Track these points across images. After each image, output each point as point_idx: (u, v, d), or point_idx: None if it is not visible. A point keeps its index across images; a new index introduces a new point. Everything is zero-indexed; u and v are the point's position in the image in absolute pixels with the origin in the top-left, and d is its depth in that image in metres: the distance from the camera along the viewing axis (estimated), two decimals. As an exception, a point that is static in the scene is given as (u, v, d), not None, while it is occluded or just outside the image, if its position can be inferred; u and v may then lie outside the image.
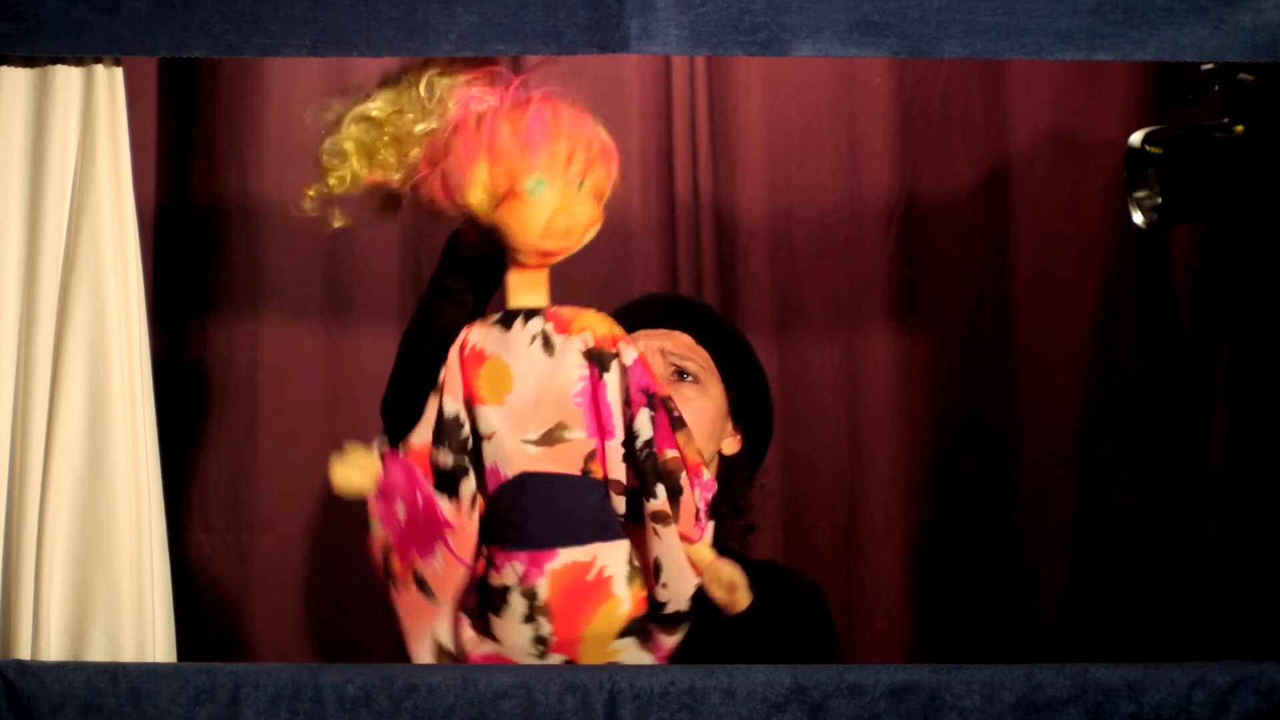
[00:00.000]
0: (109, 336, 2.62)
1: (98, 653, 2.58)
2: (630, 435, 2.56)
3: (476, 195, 2.56)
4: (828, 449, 4.04)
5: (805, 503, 4.05)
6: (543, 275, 2.63)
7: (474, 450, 2.59)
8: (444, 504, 2.58)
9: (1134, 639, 3.93)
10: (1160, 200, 3.23)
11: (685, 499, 2.54)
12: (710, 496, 2.56)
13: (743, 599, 2.54)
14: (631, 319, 3.19)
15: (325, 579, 3.98)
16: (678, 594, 2.54)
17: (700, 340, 3.14)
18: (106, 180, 2.63)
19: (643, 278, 4.04)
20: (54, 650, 2.57)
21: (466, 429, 2.59)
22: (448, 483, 2.58)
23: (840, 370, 4.08)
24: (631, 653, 2.57)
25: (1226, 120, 3.16)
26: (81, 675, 2.46)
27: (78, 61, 2.63)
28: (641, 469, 2.55)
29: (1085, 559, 3.99)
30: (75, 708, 2.45)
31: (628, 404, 2.56)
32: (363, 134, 2.62)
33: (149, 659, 2.59)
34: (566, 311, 2.61)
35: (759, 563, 3.18)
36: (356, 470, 2.62)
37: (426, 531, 2.59)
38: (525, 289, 2.62)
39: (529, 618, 2.54)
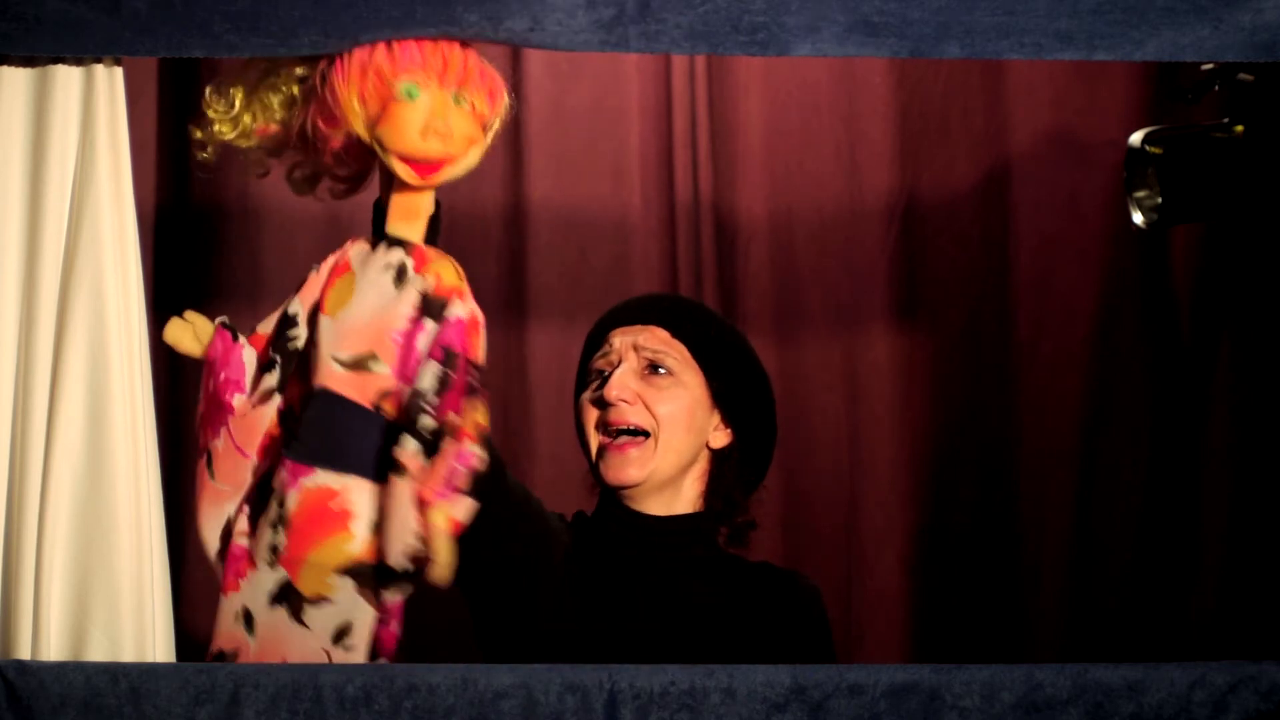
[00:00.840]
0: (109, 336, 2.62)
1: (98, 653, 2.58)
2: (412, 383, 2.56)
3: (354, 109, 2.57)
4: (828, 449, 4.05)
5: (805, 503, 4.06)
6: (422, 206, 2.65)
7: (302, 354, 2.62)
8: (245, 389, 2.64)
9: (1134, 639, 3.93)
10: (1160, 200, 3.23)
11: (439, 461, 2.51)
12: (466, 470, 2.51)
13: (440, 574, 2.50)
14: (612, 318, 3.20)
15: (325, 579, 3.98)
16: (392, 549, 2.52)
17: (676, 334, 3.14)
18: (106, 180, 2.63)
19: (643, 278, 4.05)
20: (54, 650, 2.57)
21: (300, 330, 2.63)
22: (259, 373, 2.64)
23: (840, 370, 4.08)
24: (346, 592, 2.54)
25: (1226, 120, 3.17)
26: (81, 675, 2.46)
27: (78, 61, 2.63)
28: (406, 418, 2.54)
29: (1085, 559, 4.00)
30: (75, 708, 2.45)
31: (427, 354, 2.57)
32: (244, 81, 2.65)
33: (149, 659, 2.59)
34: (431, 253, 2.62)
35: (754, 564, 3.18)
36: (188, 333, 2.69)
37: (217, 411, 2.64)
38: (403, 218, 2.64)
39: (275, 524, 2.56)
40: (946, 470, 4.04)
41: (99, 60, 2.63)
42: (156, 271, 3.91)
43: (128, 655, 2.58)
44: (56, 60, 2.63)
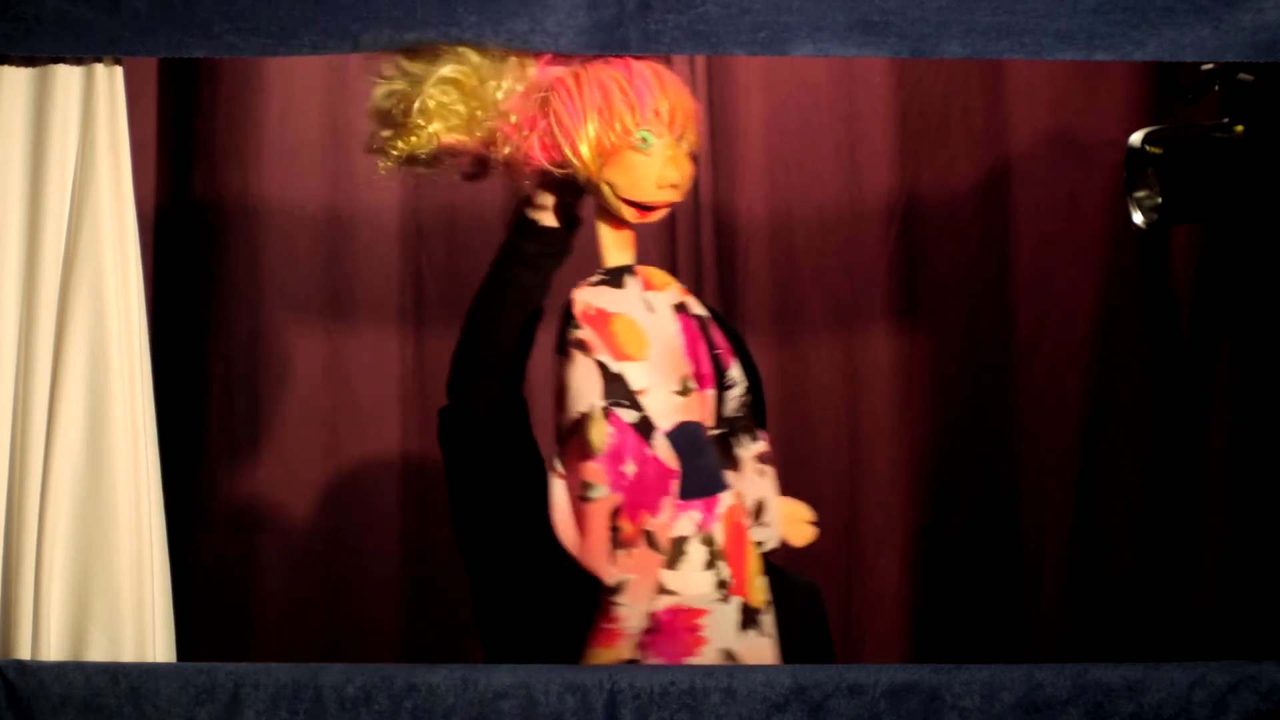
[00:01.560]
0: (109, 336, 2.62)
1: (98, 653, 2.58)
2: (725, 384, 2.65)
3: (586, 150, 2.61)
4: (828, 449, 4.04)
5: (805, 502, 4.05)
6: (632, 235, 2.71)
7: (637, 403, 2.65)
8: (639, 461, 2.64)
9: (1134, 639, 3.93)
10: (1160, 200, 3.23)
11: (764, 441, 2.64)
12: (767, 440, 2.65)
13: (810, 533, 2.68)
14: None
15: (325, 579, 3.98)
16: (774, 533, 2.64)
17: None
18: (106, 180, 2.63)
19: (643, 278, 4.04)
20: (54, 650, 2.57)
21: (631, 384, 2.64)
22: (640, 437, 2.63)
23: (840, 370, 4.08)
24: (768, 590, 2.65)
25: (1226, 120, 3.16)
26: (81, 675, 2.46)
27: (78, 61, 2.63)
28: (744, 414, 2.64)
29: (1085, 559, 3.99)
30: (75, 708, 2.45)
31: (713, 352, 2.65)
32: (442, 95, 2.63)
33: (149, 659, 2.59)
34: (645, 269, 2.70)
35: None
36: (599, 432, 2.63)
37: (656, 486, 2.61)
38: (620, 247, 2.71)
39: (709, 564, 2.59)
40: (946, 470, 4.04)
41: (99, 60, 2.63)
42: (156, 271, 3.91)
43: (128, 655, 2.58)
44: (56, 60, 2.63)
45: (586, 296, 2.66)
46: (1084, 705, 2.45)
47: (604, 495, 2.60)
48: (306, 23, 2.57)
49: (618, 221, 2.68)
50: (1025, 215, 4.03)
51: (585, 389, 2.62)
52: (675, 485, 2.61)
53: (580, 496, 2.60)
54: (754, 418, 2.73)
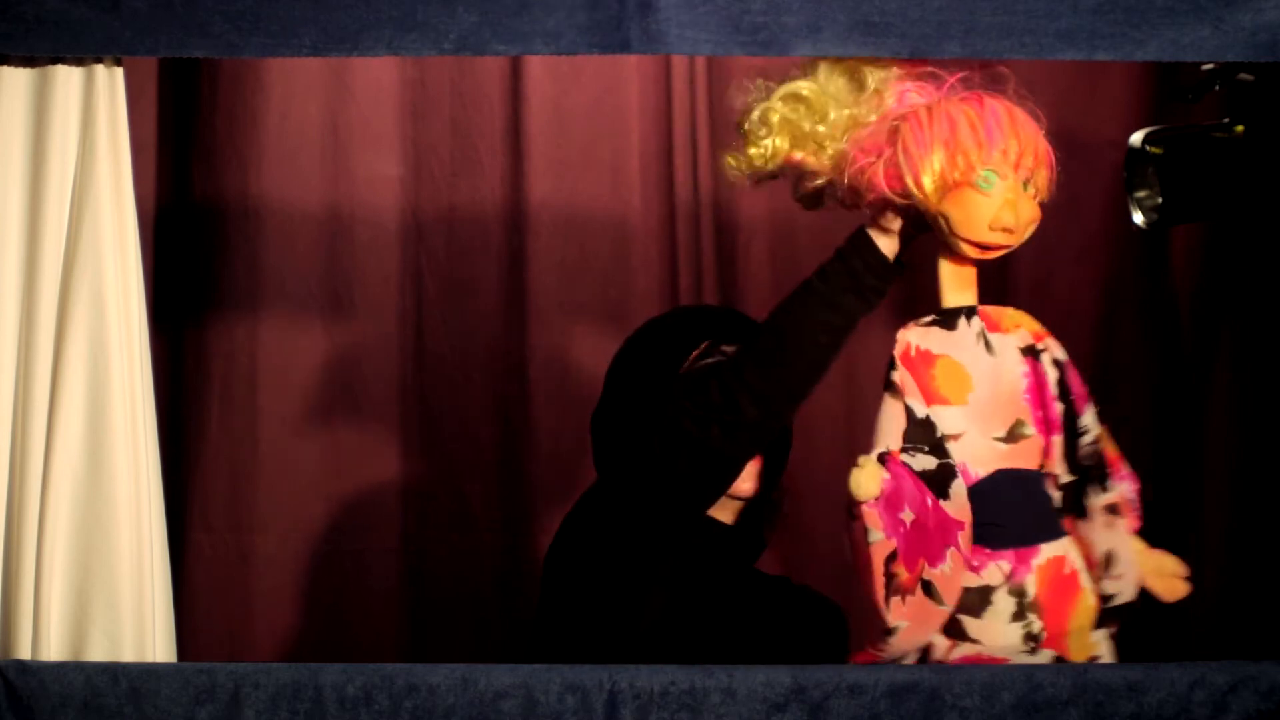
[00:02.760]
0: (109, 336, 2.62)
1: (98, 653, 2.58)
2: (1077, 431, 2.63)
3: (929, 182, 2.59)
4: (828, 449, 4.04)
5: (805, 503, 4.05)
6: (973, 273, 2.69)
7: (945, 450, 2.62)
8: (944, 504, 2.60)
9: (1134, 639, 3.93)
10: (1160, 200, 3.22)
11: (1128, 490, 2.63)
12: (1137, 489, 2.62)
13: (1182, 588, 2.61)
14: (700, 326, 3.07)
15: (325, 579, 3.98)
16: (1129, 585, 2.60)
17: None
18: (106, 180, 2.63)
19: (643, 278, 4.04)
20: (54, 650, 2.57)
21: (939, 430, 2.61)
22: (934, 484, 2.60)
23: (840, 370, 4.07)
24: (1106, 644, 2.63)
25: (1226, 120, 3.16)
26: (81, 675, 2.46)
27: (78, 61, 2.63)
28: (1092, 463, 2.62)
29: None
30: (75, 708, 2.45)
31: (1067, 398, 2.63)
32: (790, 111, 2.63)
33: (149, 659, 2.59)
34: (993, 310, 2.68)
35: (772, 578, 3.16)
36: (873, 477, 2.61)
37: (937, 536, 2.58)
38: (959, 286, 2.69)
39: (1018, 616, 2.57)
40: (946, 470, 4.04)
41: (99, 60, 2.63)
42: (156, 271, 3.91)
43: (128, 655, 2.58)
44: (56, 60, 2.63)
45: (912, 336, 2.67)
46: (1084, 705, 2.45)
47: (879, 540, 2.58)
48: (306, 23, 2.57)
49: (958, 259, 2.66)
50: (1025, 215, 4.02)
51: (885, 432, 2.64)
52: (964, 535, 2.57)
53: (862, 540, 2.60)
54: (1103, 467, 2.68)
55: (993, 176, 2.61)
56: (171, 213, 3.99)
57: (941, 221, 2.63)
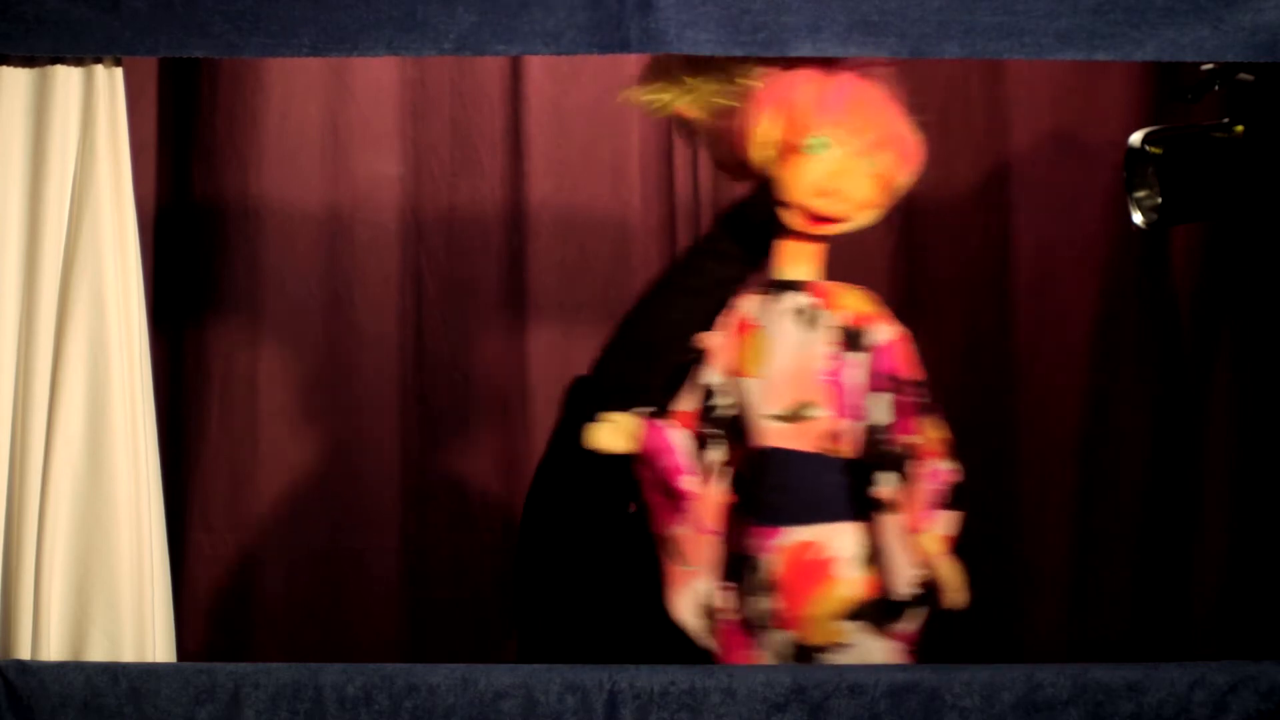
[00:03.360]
0: (109, 336, 2.62)
1: (98, 653, 2.58)
2: (866, 418, 2.59)
3: (760, 142, 2.59)
4: (828, 449, 4.04)
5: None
6: (814, 249, 2.66)
7: (733, 421, 2.61)
8: (690, 471, 2.61)
9: (1134, 639, 3.93)
10: (1160, 200, 3.23)
11: (914, 488, 2.55)
12: (944, 488, 2.57)
13: (956, 598, 2.56)
14: None
15: (325, 579, 3.98)
16: (895, 582, 2.56)
17: None
18: (106, 180, 2.63)
19: (643, 278, 4.03)
20: (54, 650, 2.57)
21: (728, 399, 2.61)
22: (700, 450, 2.62)
23: (840, 370, 4.07)
24: (860, 636, 2.59)
25: (1226, 120, 3.16)
26: (81, 675, 2.46)
27: (78, 61, 2.63)
28: (870, 453, 2.56)
29: (1085, 559, 3.99)
30: (75, 708, 2.45)
31: (870, 386, 2.58)
32: (682, 68, 2.68)
33: (149, 659, 2.59)
34: (832, 286, 2.64)
35: None
36: (614, 433, 2.64)
37: (672, 500, 2.62)
38: (794, 260, 2.65)
39: (759, 590, 2.58)
40: (946, 470, 4.04)
41: (99, 60, 2.63)
42: (156, 271, 3.91)
43: (128, 655, 2.58)
44: (56, 60, 2.63)
45: (742, 304, 2.65)
46: (1084, 705, 2.45)
47: (641, 491, 2.65)
48: (306, 23, 2.57)
49: (793, 234, 2.65)
50: (1025, 215, 4.03)
51: (685, 393, 2.64)
52: (703, 505, 2.59)
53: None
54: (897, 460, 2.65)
55: (824, 144, 2.58)
56: (171, 213, 3.99)
57: (774, 187, 2.61)
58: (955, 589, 2.51)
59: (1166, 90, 3.61)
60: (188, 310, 3.99)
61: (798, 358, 2.59)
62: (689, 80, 2.66)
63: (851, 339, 2.59)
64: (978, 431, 4.02)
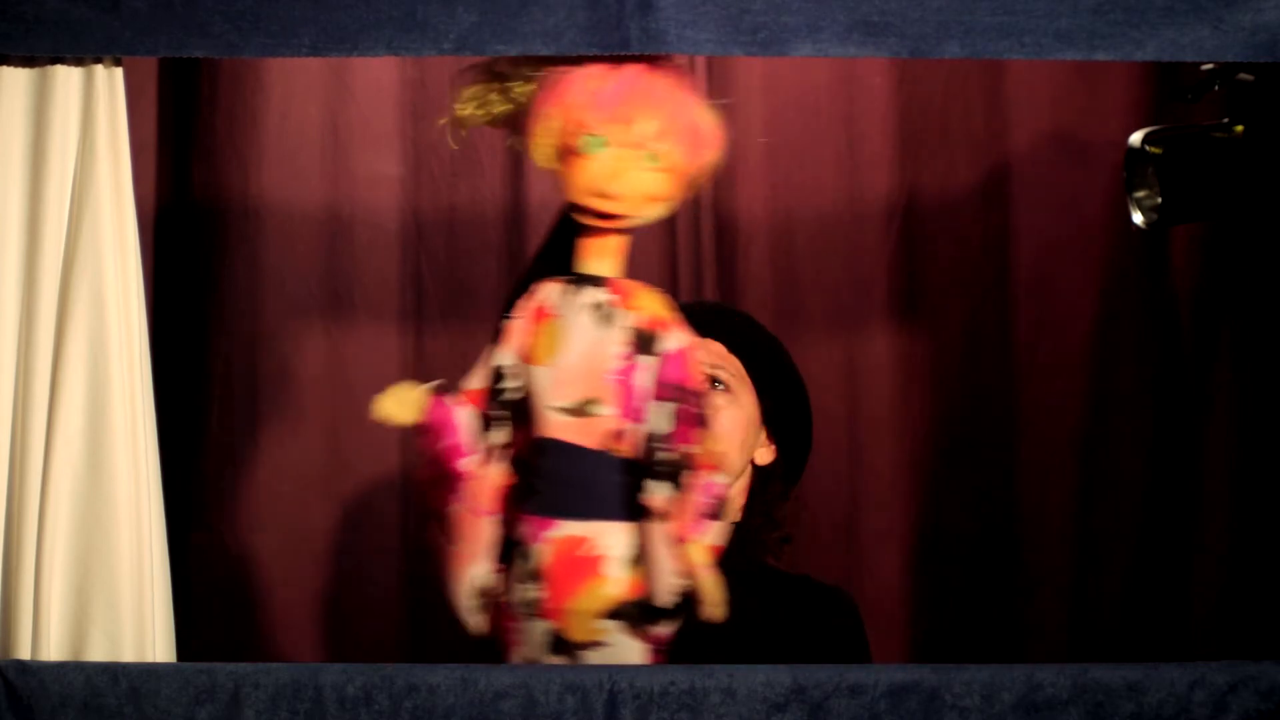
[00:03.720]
0: (109, 336, 2.62)
1: (98, 653, 2.58)
2: (646, 424, 2.54)
3: (540, 143, 2.56)
4: (828, 449, 4.04)
5: (805, 503, 4.06)
6: (615, 243, 2.62)
7: (519, 405, 2.59)
8: (470, 451, 2.59)
9: (1134, 639, 3.93)
10: (1160, 200, 3.23)
11: (686, 497, 2.52)
12: (715, 501, 2.53)
13: (714, 612, 2.50)
14: None
15: (325, 578, 3.98)
16: (658, 589, 2.53)
17: (733, 348, 3.11)
18: (106, 180, 2.63)
19: (643, 278, 4.03)
20: (54, 650, 2.57)
21: (514, 382, 2.58)
22: (483, 431, 2.59)
23: (840, 370, 4.08)
24: (618, 636, 2.55)
25: (1226, 120, 3.16)
26: (81, 675, 2.46)
27: (78, 61, 2.63)
28: (647, 459, 2.53)
29: (1085, 559, 3.99)
30: (75, 708, 2.45)
31: (653, 393, 2.55)
32: (479, 84, 2.64)
33: (149, 659, 2.59)
34: (631, 285, 2.60)
35: (794, 577, 3.17)
36: (399, 405, 2.61)
37: (448, 479, 2.60)
38: (595, 255, 2.61)
39: (527, 578, 2.55)
40: (946, 470, 4.04)
41: (99, 60, 2.63)
42: (156, 271, 3.91)
43: (128, 655, 2.58)
44: (56, 60, 2.63)
45: (542, 290, 2.61)
46: (1084, 705, 2.45)
47: (421, 464, 2.64)
48: (306, 23, 2.57)
49: (591, 230, 2.60)
50: (1025, 215, 4.03)
51: (474, 371, 2.62)
52: (475, 487, 2.58)
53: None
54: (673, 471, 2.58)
55: (599, 142, 2.52)
56: (171, 213, 3.99)
57: (562, 186, 2.58)
58: (714, 602, 2.49)
59: (1166, 90, 3.62)
60: (188, 310, 3.99)
61: (589, 353, 2.56)
62: (492, 86, 2.63)
63: (644, 342, 2.55)
64: (978, 431, 4.03)
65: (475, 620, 2.64)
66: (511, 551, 2.58)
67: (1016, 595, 4.00)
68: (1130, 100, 3.94)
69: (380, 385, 3.99)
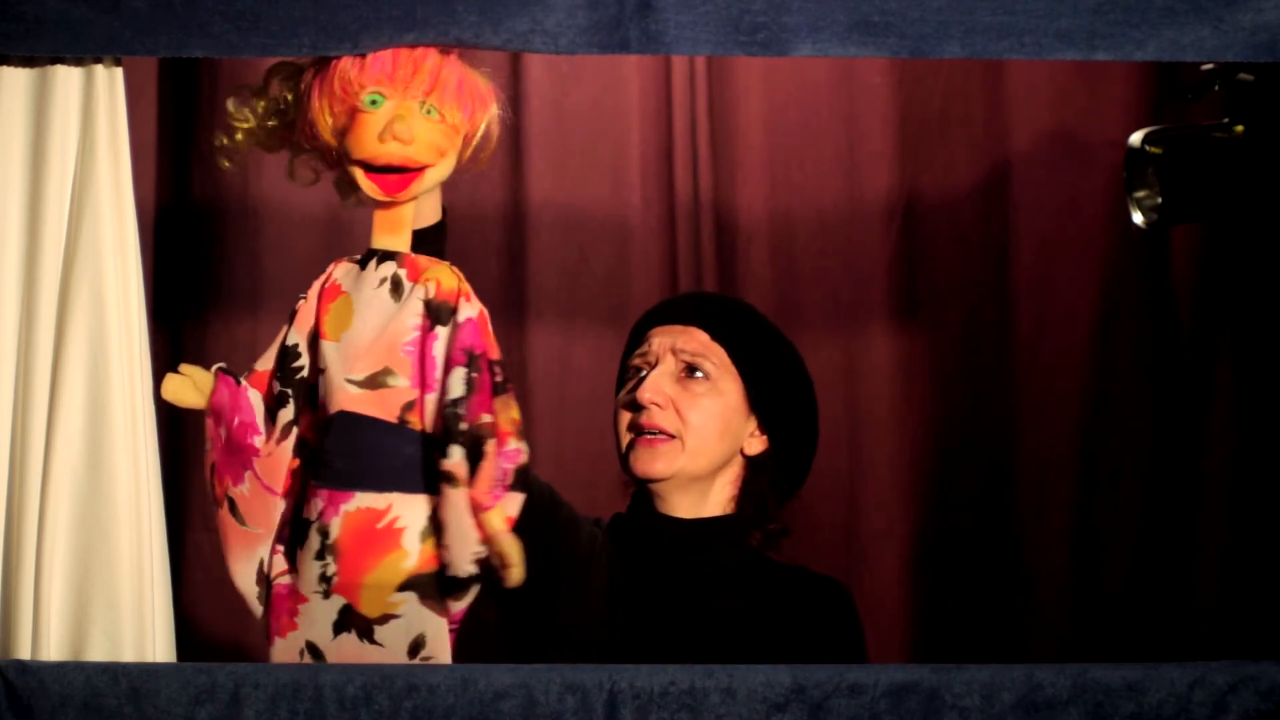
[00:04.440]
0: (109, 336, 2.62)
1: (98, 653, 2.58)
2: (443, 391, 2.53)
3: (323, 119, 2.57)
4: (828, 449, 4.03)
5: (805, 503, 4.06)
6: (404, 217, 2.62)
7: (310, 383, 2.60)
8: (261, 429, 2.59)
9: (1134, 639, 3.93)
10: (1160, 200, 3.23)
11: (485, 465, 2.49)
12: (513, 466, 2.51)
13: (515, 575, 2.48)
14: (654, 316, 3.16)
15: (325, 579, 3.98)
16: (457, 557, 2.50)
17: (716, 337, 3.10)
18: (106, 180, 2.63)
19: (643, 277, 4.04)
20: (54, 650, 2.57)
21: (303, 360, 2.60)
22: (272, 410, 2.60)
23: (840, 370, 4.08)
24: (412, 606, 2.52)
25: (1226, 120, 3.16)
26: (81, 675, 2.46)
27: (78, 61, 2.63)
28: (443, 426, 2.51)
29: (1085, 559, 3.99)
30: (75, 708, 2.44)
31: (449, 360, 2.54)
32: (239, 120, 2.68)
33: (149, 659, 2.59)
34: (422, 260, 2.60)
35: (789, 568, 3.17)
36: (188, 386, 2.62)
37: (238, 456, 2.59)
38: (386, 230, 2.61)
39: (320, 554, 2.53)
40: (946, 470, 4.04)
41: (99, 60, 2.63)
42: (156, 271, 3.91)
43: (128, 655, 2.58)
44: (56, 60, 2.63)
45: (335, 270, 2.63)
46: (1084, 705, 2.45)
47: (208, 450, 2.62)
48: (306, 22, 2.57)
49: (379, 203, 2.60)
50: (1025, 215, 4.03)
51: (265, 352, 2.64)
52: (263, 462, 2.58)
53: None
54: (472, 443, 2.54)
55: (380, 97, 2.54)
56: (171, 213, 3.99)
57: (346, 160, 2.58)
58: (516, 563, 2.48)
59: (1166, 90, 3.62)
60: (188, 310, 3.99)
61: (382, 326, 2.56)
62: (260, 102, 2.66)
63: (436, 313, 2.55)
64: (977, 431, 4.03)
65: (258, 604, 2.63)
66: (302, 530, 2.56)
67: (1016, 595, 4.00)
68: (1130, 100, 3.94)
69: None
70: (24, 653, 2.56)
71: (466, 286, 2.59)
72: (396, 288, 2.58)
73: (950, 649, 3.98)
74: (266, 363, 2.65)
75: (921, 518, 4.06)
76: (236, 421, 2.60)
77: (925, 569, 4.05)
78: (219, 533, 2.63)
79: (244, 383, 2.63)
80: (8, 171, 2.63)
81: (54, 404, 2.60)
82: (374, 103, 2.55)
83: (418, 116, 2.55)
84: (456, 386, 2.52)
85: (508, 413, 2.55)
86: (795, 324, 4.02)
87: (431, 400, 2.54)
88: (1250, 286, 3.86)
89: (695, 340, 3.09)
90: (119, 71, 2.65)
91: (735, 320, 3.15)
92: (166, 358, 3.91)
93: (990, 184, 4.05)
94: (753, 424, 3.12)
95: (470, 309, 2.57)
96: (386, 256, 2.60)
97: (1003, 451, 4.02)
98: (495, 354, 2.56)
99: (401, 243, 2.62)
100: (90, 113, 2.63)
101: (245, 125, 2.68)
